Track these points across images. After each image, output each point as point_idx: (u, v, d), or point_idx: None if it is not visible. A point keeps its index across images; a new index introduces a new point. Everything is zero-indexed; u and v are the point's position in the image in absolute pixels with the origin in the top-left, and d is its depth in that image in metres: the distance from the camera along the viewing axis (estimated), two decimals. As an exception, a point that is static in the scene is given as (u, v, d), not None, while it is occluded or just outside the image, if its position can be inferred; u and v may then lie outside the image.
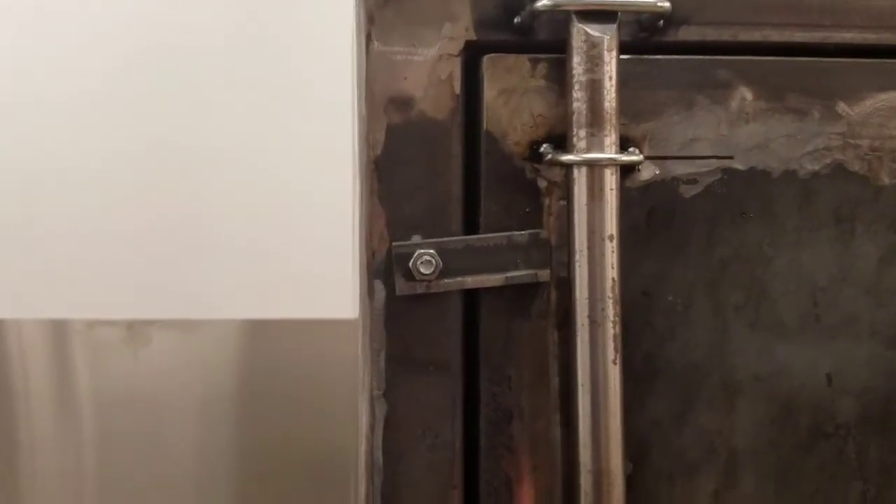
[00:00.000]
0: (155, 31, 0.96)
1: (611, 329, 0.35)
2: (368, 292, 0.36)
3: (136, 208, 0.96)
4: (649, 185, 0.37)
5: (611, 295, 0.35)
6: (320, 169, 0.98)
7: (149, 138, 0.96)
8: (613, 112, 0.34)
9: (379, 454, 0.37)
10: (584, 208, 0.34)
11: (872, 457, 0.40)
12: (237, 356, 0.99)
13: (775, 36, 0.37)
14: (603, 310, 0.35)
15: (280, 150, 0.98)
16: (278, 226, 0.99)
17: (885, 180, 0.38)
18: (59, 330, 0.98)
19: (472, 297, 0.37)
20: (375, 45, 0.35)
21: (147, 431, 0.98)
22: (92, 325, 0.96)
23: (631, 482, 0.38)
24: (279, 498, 1.04)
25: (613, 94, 0.33)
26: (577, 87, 0.33)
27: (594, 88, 0.33)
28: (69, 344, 0.99)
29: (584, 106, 0.33)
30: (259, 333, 0.99)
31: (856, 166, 0.38)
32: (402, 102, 0.36)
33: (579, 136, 0.34)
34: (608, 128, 0.33)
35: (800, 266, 0.39)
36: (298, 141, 0.97)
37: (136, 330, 0.97)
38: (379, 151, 0.36)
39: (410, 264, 0.35)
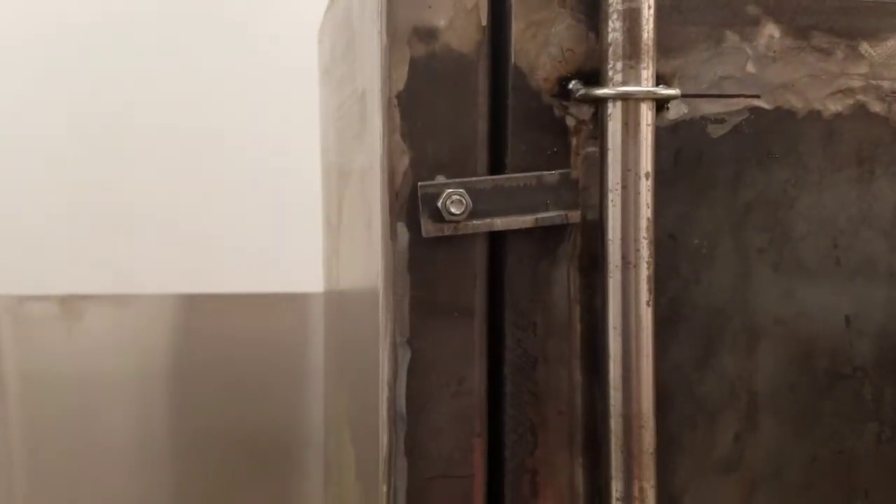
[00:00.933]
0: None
1: (645, 270, 0.34)
2: (391, 235, 0.34)
3: (67, 179, 0.92)
4: (677, 125, 0.36)
5: (646, 235, 0.34)
6: (264, 135, 0.95)
7: (81, 106, 0.91)
8: (651, 44, 0.32)
9: (402, 402, 0.35)
10: (619, 145, 0.33)
11: (888, 399, 0.40)
12: (173, 332, 0.96)
13: (802, -27, 0.37)
14: (637, 251, 0.34)
15: (221, 116, 0.94)
16: (216, 197, 0.96)
17: (906, 122, 0.38)
18: None
19: (496, 241, 0.36)
20: (398, -29, 0.33)
21: (79, 410, 0.95)
22: (22, 300, 0.92)
23: (654, 426, 0.37)
24: (217, 477, 1.03)
25: (651, 25, 0.32)
26: (613, 16, 0.32)
27: (633, 18, 0.32)
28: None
29: (622, 36, 0.32)
30: (195, 308, 0.96)
31: (877, 108, 0.38)
32: (425, 34, 0.34)
33: (616, 68, 0.32)
34: (646, 60, 0.32)
35: (822, 208, 0.38)
36: (241, 106, 0.94)
37: (68, 305, 0.93)
38: (401, 87, 0.34)
39: (439, 204, 0.33)
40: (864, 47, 0.37)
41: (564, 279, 0.36)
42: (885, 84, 0.38)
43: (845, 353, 0.39)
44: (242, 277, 0.97)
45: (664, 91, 0.33)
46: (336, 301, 0.64)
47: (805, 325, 0.39)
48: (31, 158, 0.91)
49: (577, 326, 0.37)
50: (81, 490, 0.96)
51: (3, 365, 0.95)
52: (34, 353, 0.94)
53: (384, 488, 0.35)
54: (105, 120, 0.92)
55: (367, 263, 0.41)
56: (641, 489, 0.34)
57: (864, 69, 0.37)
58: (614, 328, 0.34)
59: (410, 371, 0.35)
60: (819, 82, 0.37)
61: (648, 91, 0.32)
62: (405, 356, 0.35)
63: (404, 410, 0.35)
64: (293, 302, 0.98)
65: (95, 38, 0.91)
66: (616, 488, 0.34)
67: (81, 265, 0.93)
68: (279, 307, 0.99)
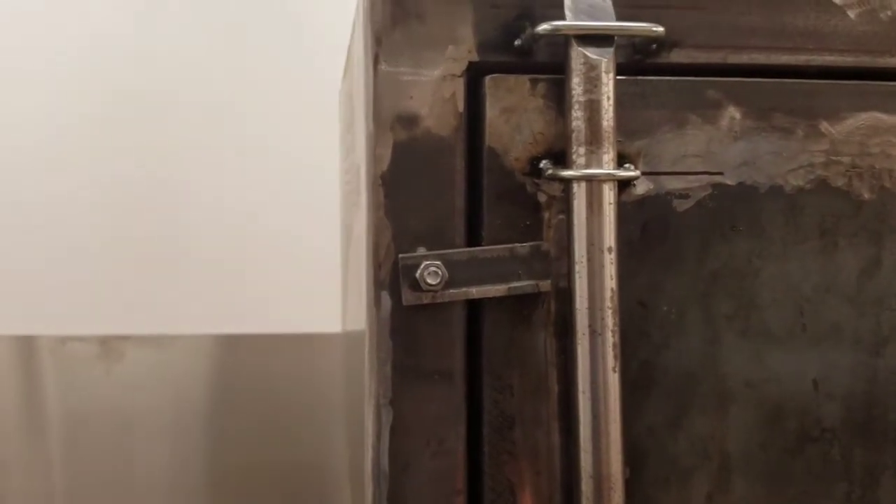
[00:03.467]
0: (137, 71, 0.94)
1: (610, 338, 0.35)
2: (375, 303, 0.36)
3: (109, 222, 0.93)
4: (644, 200, 0.37)
5: (610, 305, 0.35)
6: (301, 185, 0.97)
7: (124, 153, 0.93)
8: (611, 130, 0.34)
9: (385, 461, 0.37)
10: (584, 221, 0.34)
11: (857, 459, 0.40)
12: (211, 372, 0.97)
13: (762, 59, 0.38)
14: (602, 319, 0.35)
15: (257, 166, 0.96)
16: (255, 240, 0.98)
17: (866, 195, 0.39)
18: (28, 346, 0.94)
19: (474, 308, 0.37)
20: (383, 66, 0.36)
21: (118, 449, 0.95)
22: (64, 340, 0.93)
23: (629, 487, 0.38)
24: None
25: (611, 114, 0.34)
26: (576, 106, 0.34)
27: (593, 108, 0.34)
28: (39, 360, 0.96)
29: (584, 124, 0.34)
30: (233, 349, 0.97)
31: (838, 182, 0.39)
32: (407, 120, 0.36)
33: (579, 152, 0.34)
34: (606, 145, 0.34)
35: (786, 277, 0.39)
36: (274, 156, 0.96)
37: (109, 345, 0.94)
38: (385, 167, 0.36)
39: (417, 275, 0.35)
40: (824, 125, 0.39)
41: (540, 343, 0.38)
42: (845, 160, 0.39)
43: (814, 415, 0.40)
44: (279, 318, 0.98)
45: (624, 173, 0.35)
46: (345, 349, 0.66)
47: (774, 388, 0.40)
48: (75, 201, 0.93)
49: (554, 388, 0.38)
50: None
51: (45, 404, 0.96)
52: (75, 392, 0.95)
53: (368, 542, 0.37)
54: (148, 164, 0.95)
55: (359, 324, 0.43)
56: (610, 548, 0.35)
57: (824, 146, 0.39)
58: (583, 392, 0.35)
59: (393, 431, 0.37)
60: (781, 159, 0.38)
61: (609, 173, 0.34)
62: (388, 417, 0.37)
63: (387, 468, 0.37)
64: (328, 342, 0.99)
65: (138, 85, 0.94)
66: (586, 547, 0.35)
67: (122, 306, 0.95)
68: (314, 347, 0.99)
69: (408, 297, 0.35)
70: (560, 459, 0.38)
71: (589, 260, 0.35)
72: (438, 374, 0.37)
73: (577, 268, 0.35)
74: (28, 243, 0.94)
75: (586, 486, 0.35)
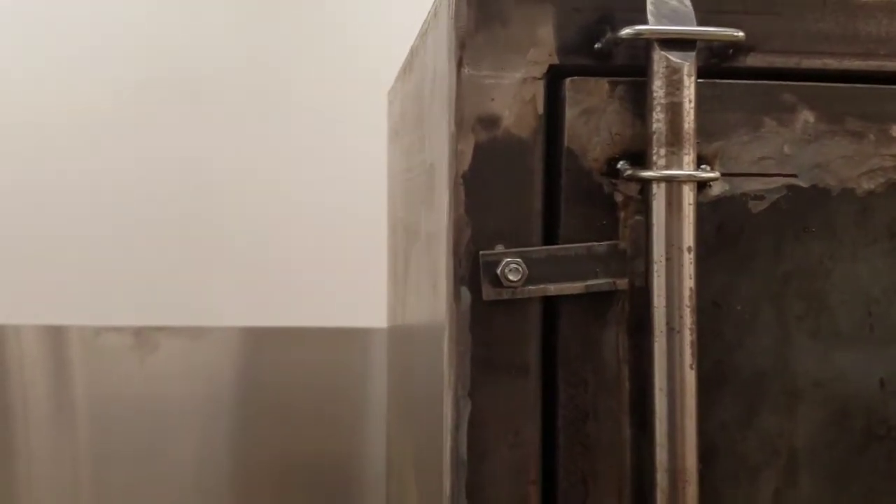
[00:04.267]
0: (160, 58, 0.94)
1: (688, 336, 0.36)
2: (455, 297, 0.37)
3: (144, 216, 0.94)
4: (719, 201, 0.38)
5: (688, 304, 0.36)
6: (336, 177, 0.97)
7: (157, 144, 0.94)
8: (692, 132, 0.35)
9: (464, 450, 0.37)
10: (664, 221, 0.35)
11: (924, 459, 0.41)
12: (241, 363, 0.97)
13: (835, 63, 0.39)
14: (681, 317, 0.36)
15: (291, 158, 0.97)
16: (289, 232, 0.98)
17: (936, 198, 0.39)
18: (61, 336, 0.94)
19: (550, 305, 0.38)
20: (466, 69, 0.37)
21: (148, 439, 0.96)
22: (99, 331, 0.93)
23: (700, 481, 0.38)
24: None
25: (692, 116, 0.35)
26: (657, 108, 0.35)
27: (674, 111, 0.34)
28: (73, 350, 0.95)
29: (664, 126, 0.35)
30: (263, 341, 0.97)
31: (908, 185, 0.39)
32: (489, 122, 0.37)
33: (659, 154, 0.35)
34: (687, 147, 0.35)
35: (856, 278, 0.40)
36: (310, 151, 0.96)
37: (143, 337, 0.94)
38: (466, 167, 0.37)
39: (498, 271, 0.36)
40: (895, 130, 0.39)
41: (613, 341, 0.39)
42: (916, 163, 0.39)
43: (880, 413, 0.40)
44: (309, 312, 0.98)
45: (704, 174, 0.35)
46: (400, 343, 0.67)
47: (841, 387, 0.40)
48: (112, 193, 0.94)
49: (626, 385, 0.39)
50: None
51: (76, 393, 0.95)
52: (108, 382, 0.95)
53: (446, 529, 0.38)
54: (183, 160, 0.95)
55: (432, 318, 0.44)
56: (685, 540, 0.36)
57: (895, 150, 0.39)
58: (660, 389, 0.36)
59: (471, 422, 0.38)
60: (852, 162, 0.39)
61: (689, 174, 0.35)
62: (466, 408, 0.38)
63: (465, 457, 0.38)
64: (356, 336, 0.98)
65: (172, 94, 0.95)
66: (661, 538, 0.36)
67: (156, 297, 0.95)
68: (343, 341, 0.99)
69: (488, 293, 0.36)
70: (630, 453, 0.39)
71: (668, 259, 0.35)
72: (515, 367, 0.38)
73: (655, 267, 0.36)
74: (63, 234, 0.94)
75: (662, 480, 0.36)
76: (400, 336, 0.67)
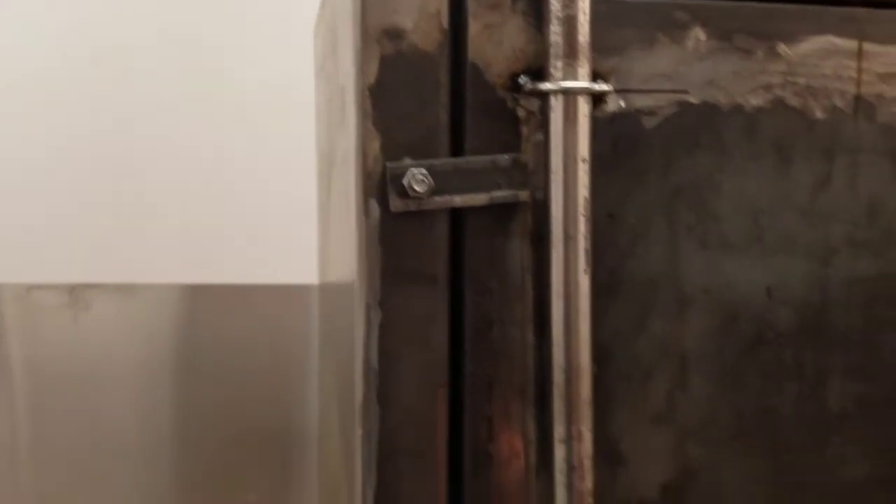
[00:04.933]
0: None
1: (582, 242, 0.38)
2: (364, 211, 0.38)
3: (76, 169, 0.92)
4: (615, 117, 0.40)
5: (583, 212, 0.37)
6: (272, 133, 0.96)
7: (91, 101, 0.92)
8: (587, 45, 0.36)
9: (374, 358, 0.39)
10: (560, 133, 0.37)
11: (807, 362, 0.44)
12: (178, 321, 0.95)
13: (726, -17, 0.40)
14: (575, 225, 0.37)
15: (225, 113, 0.95)
16: (223, 188, 0.96)
17: (818, 115, 0.42)
18: None
19: (457, 216, 0.40)
20: (370, -19, 0.37)
21: (86, 397, 0.94)
22: (31, 288, 0.91)
23: (595, 383, 0.41)
24: (222, 468, 1.02)
25: (587, 29, 0.36)
26: (554, 21, 0.36)
27: (570, 23, 0.36)
28: (5, 307, 0.92)
29: (561, 39, 0.36)
30: (200, 298, 0.95)
31: (794, 102, 0.42)
32: (394, 34, 0.38)
33: (556, 66, 0.36)
34: (582, 59, 0.36)
35: (744, 191, 0.42)
36: (243, 106, 0.95)
37: (77, 294, 0.92)
38: (372, 80, 0.38)
39: (405, 182, 0.37)
40: (782, 48, 0.41)
41: (517, 251, 0.40)
42: (801, 80, 0.42)
43: (767, 320, 0.43)
44: (248, 269, 0.97)
45: (599, 86, 0.37)
46: (327, 294, 0.68)
47: (730, 294, 0.43)
48: (41, 149, 0.91)
49: (529, 293, 0.41)
50: (86, 477, 0.95)
51: (9, 353, 0.93)
52: (41, 341, 0.92)
53: (359, 432, 0.39)
54: (116, 112, 0.93)
55: (347, 236, 0.45)
56: (580, 432, 0.38)
57: (782, 67, 0.41)
58: (556, 293, 0.38)
59: (382, 330, 0.39)
60: (741, 79, 0.41)
61: (584, 86, 0.36)
62: (377, 317, 0.39)
63: (376, 365, 0.39)
64: (296, 293, 0.98)
65: (104, 41, 0.93)
66: (558, 431, 0.38)
67: (90, 254, 0.93)
68: (283, 298, 0.98)
69: (395, 204, 0.37)
70: (534, 357, 0.41)
71: (564, 169, 0.37)
72: (424, 278, 0.39)
73: (553, 177, 0.37)
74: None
75: (558, 377, 0.38)
76: (327, 288, 0.67)
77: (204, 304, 0.96)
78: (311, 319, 0.98)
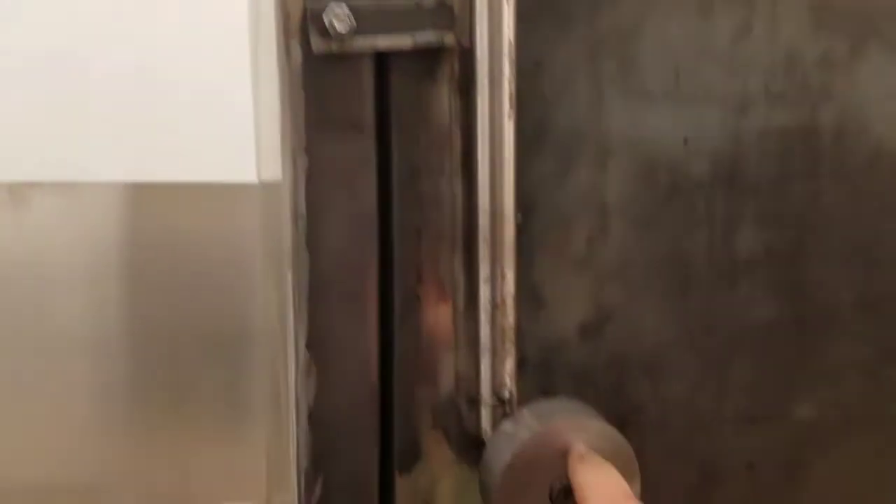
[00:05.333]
0: None
1: (507, 87, 0.38)
2: (286, 53, 0.38)
3: (11, 64, 0.87)
4: (541, -39, 0.39)
5: (508, 55, 0.38)
6: (211, 25, 0.92)
7: None
8: None
9: (302, 204, 0.39)
10: (485, -28, 0.36)
11: (718, 209, 0.46)
12: (123, 220, 0.93)
13: None
14: (500, 69, 0.38)
15: (164, 7, 0.91)
16: (169, 83, 0.94)
17: (741, -37, 0.42)
18: None
19: (383, 62, 0.39)
20: None
21: (31, 299, 0.92)
22: None
23: (520, 229, 0.42)
24: (174, 366, 1.02)
25: None
26: None
27: None
28: None
29: None
30: (145, 197, 0.93)
31: (717, -51, 0.42)
32: None
33: None
34: None
35: (666, 40, 0.43)
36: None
37: (16, 193, 0.89)
38: (292, -84, 0.36)
39: (325, 20, 0.36)
40: None
41: (444, 99, 0.40)
42: (728, -72, 0.42)
43: (683, 169, 0.45)
44: (194, 167, 0.95)
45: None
46: (262, 197, 0.66)
47: (649, 144, 0.44)
48: None
49: (457, 142, 0.41)
50: (36, 380, 0.94)
51: None
52: None
53: (289, 276, 0.40)
54: (54, 7, 0.88)
55: (273, 87, 0.44)
56: (503, 272, 0.40)
57: (708, -85, 0.41)
58: (482, 137, 0.39)
59: (308, 177, 0.39)
60: (667, -75, 0.41)
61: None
62: (303, 163, 0.39)
63: (304, 211, 0.40)
64: (241, 192, 0.96)
65: None
66: (483, 272, 0.40)
67: (29, 152, 0.89)
68: (227, 196, 0.97)
69: (317, 44, 0.37)
70: (460, 206, 0.42)
71: (489, 11, 0.37)
72: (350, 124, 0.39)
73: (477, 19, 0.37)
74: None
75: (483, 220, 0.39)
76: (263, 193, 0.66)
77: (148, 202, 0.94)
78: (257, 218, 0.97)
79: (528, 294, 0.43)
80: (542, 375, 0.44)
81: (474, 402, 0.42)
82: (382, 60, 0.39)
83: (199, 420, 1.07)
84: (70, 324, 0.97)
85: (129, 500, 1.06)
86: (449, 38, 0.39)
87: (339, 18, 0.36)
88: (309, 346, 0.40)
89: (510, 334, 0.40)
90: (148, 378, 1.02)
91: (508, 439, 0.39)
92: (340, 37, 0.36)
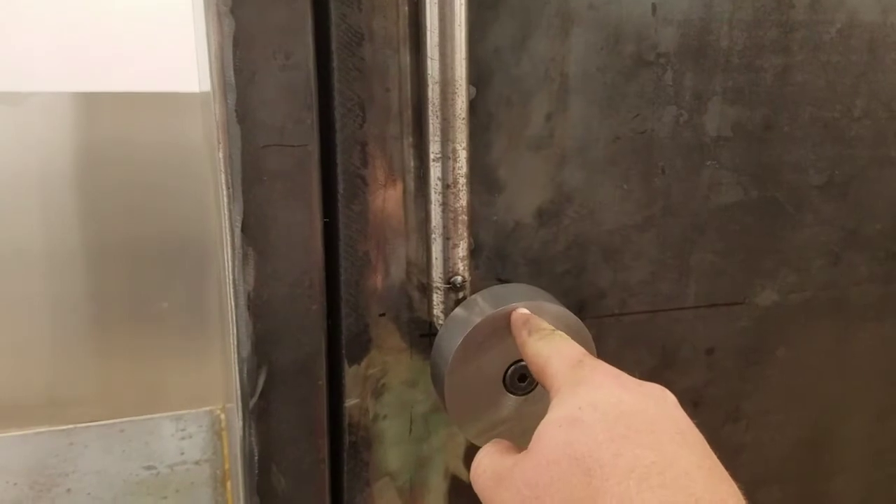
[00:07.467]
0: None
1: (456, -64, 0.34)
2: None
3: None
4: None
5: None
6: None
7: None
8: None
9: (231, 72, 0.35)
10: None
11: (687, 84, 0.43)
12: (75, 131, 0.94)
13: None
14: (448, -86, 0.33)
15: None
16: None
17: None
18: None
19: None
20: None
21: None
22: None
23: (474, 105, 0.39)
24: (132, 277, 1.03)
25: None
26: None
27: None
28: None
29: None
30: (93, 106, 0.94)
31: None
32: None
33: None
34: None
35: None
36: None
37: None
38: None
39: None
40: None
41: (388, -45, 0.36)
42: None
43: (650, 39, 0.42)
44: (143, 77, 0.96)
45: None
46: (205, 97, 0.62)
47: (615, 11, 0.41)
48: None
49: (404, 9, 0.37)
50: None
51: None
52: None
53: (220, 155, 0.37)
54: None
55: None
56: (454, 150, 0.37)
57: None
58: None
59: (236, 42, 0.35)
60: None
61: None
62: (230, 26, 0.35)
63: (233, 80, 0.36)
64: (185, 101, 0.97)
65: None
66: (433, 149, 0.37)
67: None
68: (179, 106, 0.97)
69: None
70: (409, 79, 0.38)
71: None
72: (281, -18, 0.35)
73: None
74: None
75: (433, 93, 0.36)
76: (205, 95, 0.61)
77: (95, 112, 0.95)
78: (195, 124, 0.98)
79: (483, 175, 0.40)
80: (497, 262, 0.42)
81: (426, 288, 0.40)
82: None
83: (161, 329, 1.09)
84: (26, 237, 0.98)
85: (96, 411, 1.08)
86: None
87: None
88: (245, 229, 0.37)
89: (463, 217, 0.38)
90: (109, 289, 1.03)
91: (460, 324, 0.37)
92: None
